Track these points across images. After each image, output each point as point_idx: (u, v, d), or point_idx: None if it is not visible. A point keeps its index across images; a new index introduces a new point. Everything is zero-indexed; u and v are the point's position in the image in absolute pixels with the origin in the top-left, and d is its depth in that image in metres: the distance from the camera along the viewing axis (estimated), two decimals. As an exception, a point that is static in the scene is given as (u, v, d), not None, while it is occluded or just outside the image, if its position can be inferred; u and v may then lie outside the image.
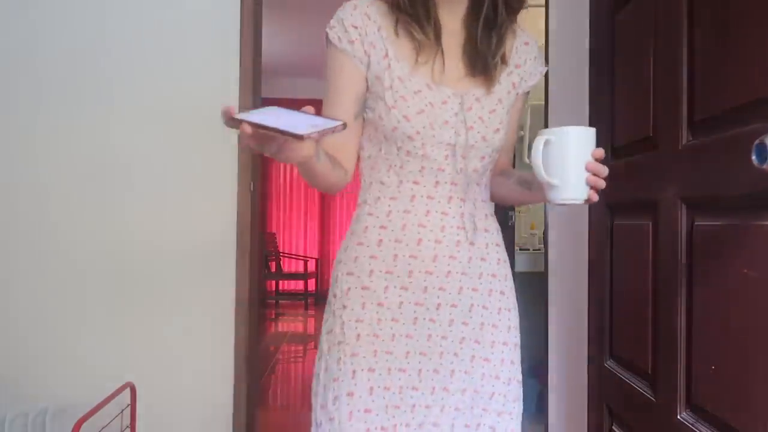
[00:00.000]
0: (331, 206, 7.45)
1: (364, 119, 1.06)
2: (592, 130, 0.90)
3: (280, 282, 7.09)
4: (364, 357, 0.99)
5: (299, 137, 0.71)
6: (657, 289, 1.22)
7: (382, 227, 1.03)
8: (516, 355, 1.09)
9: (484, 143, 1.03)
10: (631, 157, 1.37)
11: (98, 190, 2.15)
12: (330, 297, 1.07)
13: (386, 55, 1.01)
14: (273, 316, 6.39)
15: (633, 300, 1.36)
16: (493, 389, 1.05)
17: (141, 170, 2.16)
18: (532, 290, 2.68)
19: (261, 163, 2.42)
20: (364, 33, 1.02)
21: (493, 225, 1.10)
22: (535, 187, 1.05)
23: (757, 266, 0.89)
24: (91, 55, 2.16)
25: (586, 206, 1.63)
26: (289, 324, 6.14)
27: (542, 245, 2.96)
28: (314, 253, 7.41)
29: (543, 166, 0.88)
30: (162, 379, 2.13)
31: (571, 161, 0.88)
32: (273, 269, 6.88)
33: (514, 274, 1.13)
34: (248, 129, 0.71)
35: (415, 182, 1.03)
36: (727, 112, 0.99)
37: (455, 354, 1.03)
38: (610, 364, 1.49)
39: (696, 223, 1.08)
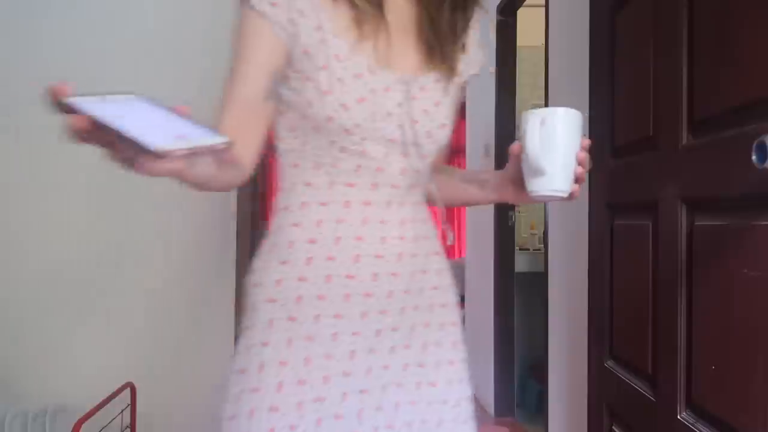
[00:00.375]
0: (331, 206, 7.43)
1: (282, 102, 0.86)
2: (581, 114, 0.82)
3: (280, 282, 7.07)
4: (285, 413, 0.81)
5: (157, 155, 0.47)
6: (657, 289, 1.22)
7: (311, 241, 0.84)
8: (464, 371, 0.96)
9: (430, 140, 0.88)
10: (631, 157, 1.37)
11: (98, 191, 2.15)
12: (243, 329, 0.86)
13: (320, 26, 0.81)
14: (273, 316, 6.38)
15: (633, 300, 1.36)
16: (440, 416, 0.92)
17: (141, 170, 2.17)
18: (532, 290, 2.69)
19: (261, 163, 2.42)
20: None
21: (432, 231, 0.95)
22: (488, 186, 0.95)
23: (757, 266, 0.89)
24: (90, 56, 2.17)
25: (586, 206, 1.63)
26: (289, 324, 6.12)
27: (542, 245, 2.96)
28: (314, 253, 7.39)
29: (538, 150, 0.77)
30: (162, 379, 2.13)
31: (561, 147, 0.79)
32: (273, 269, 6.86)
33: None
34: (83, 124, 0.49)
35: (350, 184, 0.85)
36: (727, 112, 0.99)
37: (399, 385, 0.88)
38: (610, 364, 1.49)
39: (696, 223, 1.08)
